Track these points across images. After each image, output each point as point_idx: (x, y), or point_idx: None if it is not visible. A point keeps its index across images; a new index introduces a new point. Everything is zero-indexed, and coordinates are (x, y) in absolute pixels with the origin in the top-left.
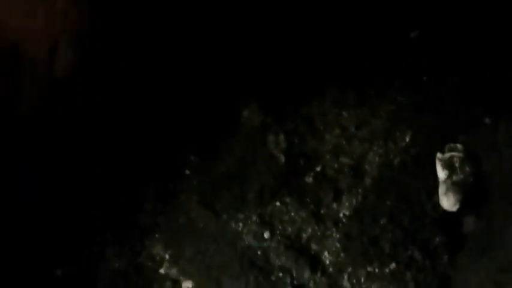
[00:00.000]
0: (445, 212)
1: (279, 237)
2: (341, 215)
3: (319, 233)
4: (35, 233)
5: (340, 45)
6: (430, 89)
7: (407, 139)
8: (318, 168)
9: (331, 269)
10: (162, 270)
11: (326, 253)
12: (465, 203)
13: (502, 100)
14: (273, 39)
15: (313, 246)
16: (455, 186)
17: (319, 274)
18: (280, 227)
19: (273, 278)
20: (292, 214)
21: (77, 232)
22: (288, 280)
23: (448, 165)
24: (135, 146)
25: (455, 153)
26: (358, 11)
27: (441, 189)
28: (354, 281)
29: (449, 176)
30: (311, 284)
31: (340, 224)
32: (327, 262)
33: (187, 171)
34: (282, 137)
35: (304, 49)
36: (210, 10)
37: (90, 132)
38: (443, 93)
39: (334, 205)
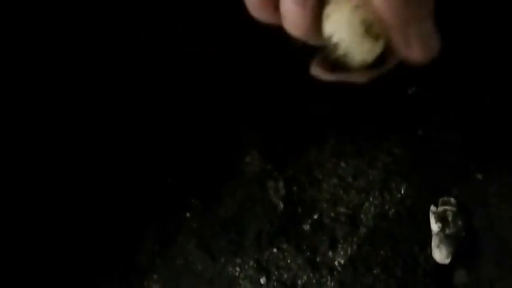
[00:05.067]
0: (437, 264)
1: (275, 283)
2: (336, 263)
3: (314, 281)
4: (28, 266)
5: (339, 99)
6: (426, 143)
7: (402, 191)
8: (315, 216)
9: None
10: None
11: None
12: (457, 256)
13: (495, 158)
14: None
15: None
16: (447, 239)
17: None
18: (276, 273)
19: None
20: (289, 261)
21: (70, 270)
22: None
23: (441, 218)
24: (136, 186)
25: (449, 207)
26: None
27: (434, 242)
28: None
29: (442, 229)
30: None
31: (335, 272)
32: None
33: (187, 214)
34: (281, 184)
35: (303, 102)
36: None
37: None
38: (438, 148)
39: (330, 253)
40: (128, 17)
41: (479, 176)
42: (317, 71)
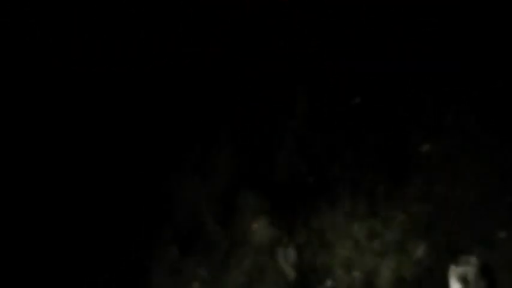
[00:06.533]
0: None
1: None
2: None
3: None
4: None
5: (351, 155)
6: (443, 199)
7: (420, 251)
8: (329, 283)
9: None
10: None
11: None
12: None
13: None
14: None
15: None
16: None
17: None
18: None
19: None
20: None
21: None
22: None
23: (462, 278)
24: (140, 254)
25: (469, 267)
26: (369, 125)
27: None
28: None
29: None
30: None
31: None
32: None
33: (195, 284)
34: (292, 251)
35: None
36: None
37: None
38: (456, 205)
39: None
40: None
41: (502, 234)
42: None
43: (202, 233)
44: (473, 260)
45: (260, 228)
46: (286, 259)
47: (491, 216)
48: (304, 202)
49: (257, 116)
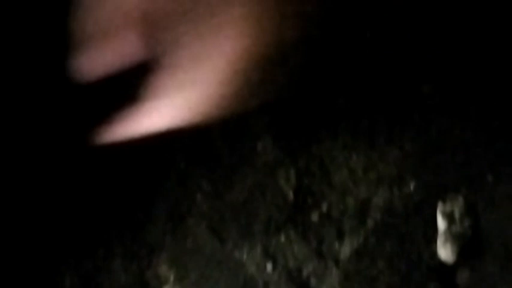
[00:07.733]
0: (441, 262)
1: (281, 270)
2: (342, 254)
3: (319, 270)
4: (35, 239)
5: (353, 92)
6: (438, 141)
7: (411, 187)
8: (324, 207)
9: None
10: None
11: None
12: (462, 256)
13: (507, 161)
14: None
15: (313, 282)
16: (453, 237)
17: None
18: (282, 261)
19: None
20: (295, 249)
21: (81, 244)
22: None
23: (449, 216)
24: (149, 167)
25: (456, 206)
26: (374, 61)
27: (440, 240)
28: None
29: (448, 227)
30: None
31: (340, 263)
32: None
33: (198, 196)
34: (292, 174)
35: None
36: None
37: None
38: (450, 147)
39: (336, 244)
40: None
41: (490, 178)
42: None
43: (208, 147)
44: (460, 199)
45: (264, 149)
46: (287, 181)
47: (481, 160)
48: (307, 129)
49: None
